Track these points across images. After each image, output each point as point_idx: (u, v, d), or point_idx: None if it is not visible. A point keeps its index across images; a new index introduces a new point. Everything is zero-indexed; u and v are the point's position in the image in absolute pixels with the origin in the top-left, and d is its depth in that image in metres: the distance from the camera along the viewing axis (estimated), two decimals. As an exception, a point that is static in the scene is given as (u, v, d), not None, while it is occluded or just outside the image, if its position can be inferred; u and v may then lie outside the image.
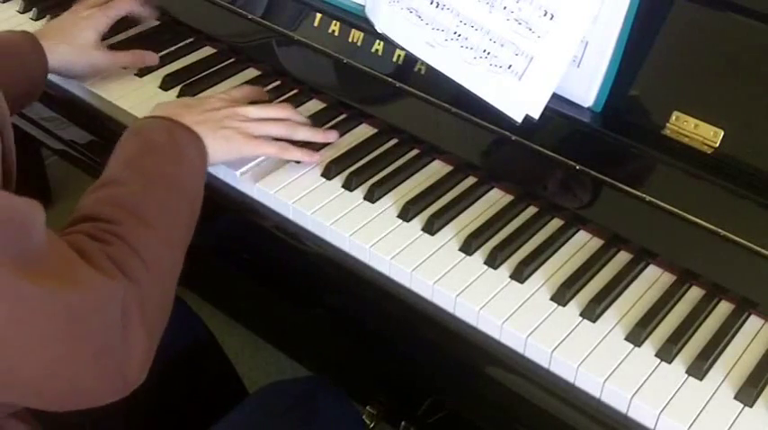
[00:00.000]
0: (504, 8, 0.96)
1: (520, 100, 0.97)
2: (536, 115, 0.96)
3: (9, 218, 0.69)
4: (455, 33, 1.00)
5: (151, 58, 1.21)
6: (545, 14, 0.94)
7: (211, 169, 1.02)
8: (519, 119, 0.97)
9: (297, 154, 1.04)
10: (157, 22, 1.33)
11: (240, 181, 1.05)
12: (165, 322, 0.84)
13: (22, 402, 0.81)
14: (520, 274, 0.93)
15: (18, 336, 0.69)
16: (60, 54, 1.13)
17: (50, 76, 1.13)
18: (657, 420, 0.81)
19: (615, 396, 0.83)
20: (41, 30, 1.17)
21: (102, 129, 1.20)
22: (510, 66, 0.97)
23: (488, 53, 0.98)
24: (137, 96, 1.18)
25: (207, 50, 1.28)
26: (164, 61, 1.24)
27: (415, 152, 1.09)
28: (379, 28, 1.07)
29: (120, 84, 1.20)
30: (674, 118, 0.94)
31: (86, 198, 0.86)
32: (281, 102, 1.17)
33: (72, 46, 1.15)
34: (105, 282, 0.75)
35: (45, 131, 1.32)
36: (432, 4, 1.01)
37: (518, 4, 0.95)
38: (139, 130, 0.96)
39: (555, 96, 0.98)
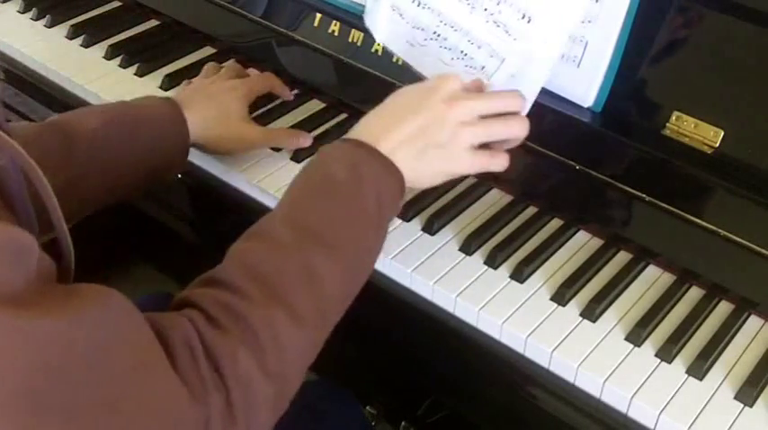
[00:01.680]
0: (485, 9, 0.95)
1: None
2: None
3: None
4: (434, 33, 0.99)
5: (305, 139, 1.06)
6: (522, 17, 0.93)
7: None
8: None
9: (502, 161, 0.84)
10: (158, 23, 1.34)
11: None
12: (278, 416, 0.70)
13: None
14: (520, 274, 0.93)
15: None
16: (208, 128, 1.01)
17: (42, 72, 1.12)
18: (657, 420, 0.81)
19: (615, 396, 0.83)
20: (182, 97, 1.03)
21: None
22: (483, 67, 0.96)
23: (465, 54, 0.97)
24: (137, 96, 1.17)
25: (207, 50, 1.28)
26: (165, 61, 1.24)
27: (415, 152, 1.09)
28: (367, 24, 1.07)
29: (119, 83, 1.20)
30: (674, 118, 0.94)
31: (232, 248, 0.73)
32: (281, 101, 1.17)
33: (223, 119, 1.02)
34: (181, 399, 0.61)
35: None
36: (413, 2, 1.00)
37: (498, 7, 0.94)
38: (319, 160, 0.78)
39: (555, 96, 0.98)
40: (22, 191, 0.65)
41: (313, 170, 0.78)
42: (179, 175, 1.05)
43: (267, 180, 1.03)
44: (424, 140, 0.79)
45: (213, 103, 1.03)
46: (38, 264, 0.61)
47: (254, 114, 1.13)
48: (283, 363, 0.68)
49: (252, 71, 1.17)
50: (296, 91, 1.19)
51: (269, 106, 1.16)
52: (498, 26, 0.94)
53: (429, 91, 0.82)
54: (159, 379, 0.62)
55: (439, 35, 0.99)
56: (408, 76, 1.07)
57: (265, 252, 0.71)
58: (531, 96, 0.92)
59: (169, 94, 1.18)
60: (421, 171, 0.80)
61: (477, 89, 0.86)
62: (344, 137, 0.81)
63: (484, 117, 0.82)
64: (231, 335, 0.66)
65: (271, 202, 1.02)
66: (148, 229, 0.96)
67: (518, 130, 0.84)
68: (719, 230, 0.88)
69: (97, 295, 0.61)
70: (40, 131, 0.94)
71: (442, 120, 0.79)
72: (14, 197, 0.64)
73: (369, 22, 1.04)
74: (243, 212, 1.05)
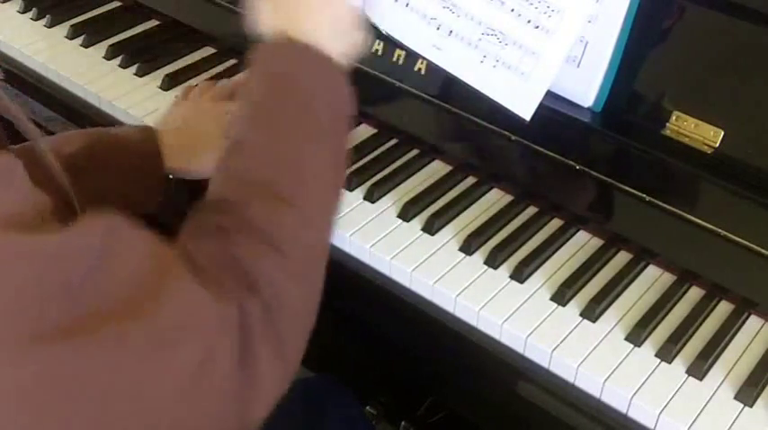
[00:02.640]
0: (512, 10, 0.96)
1: (527, 98, 0.97)
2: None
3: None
4: (460, 31, 0.99)
5: None
6: (553, 12, 0.93)
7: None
8: (527, 116, 0.97)
9: None
10: (158, 23, 1.34)
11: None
12: (308, 331, 0.69)
13: None
14: (520, 274, 0.93)
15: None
16: (186, 159, 0.98)
17: (42, 71, 1.11)
18: (657, 420, 0.81)
19: (615, 396, 0.83)
20: (162, 127, 1.01)
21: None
22: (517, 64, 0.96)
23: (495, 51, 0.98)
24: (137, 96, 1.18)
25: (207, 50, 1.28)
26: (165, 61, 1.24)
27: (414, 152, 1.09)
28: (383, 28, 1.07)
29: (120, 83, 1.20)
30: (674, 118, 0.94)
31: (216, 171, 0.74)
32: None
33: (200, 145, 0.99)
34: (204, 301, 0.61)
35: (45, 131, 1.32)
36: (438, 3, 1.00)
37: (526, 2, 0.95)
38: (260, 59, 0.78)
39: (555, 96, 0.98)
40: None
41: (256, 69, 0.78)
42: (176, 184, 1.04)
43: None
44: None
45: (189, 131, 1.00)
46: (31, 196, 0.58)
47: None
48: (301, 263, 0.68)
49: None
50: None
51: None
52: (529, 22, 0.94)
53: None
54: (174, 282, 0.60)
55: (466, 34, 0.99)
56: (408, 75, 1.08)
57: (251, 159, 0.71)
58: (536, 97, 0.92)
59: (169, 94, 1.18)
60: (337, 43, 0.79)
61: None
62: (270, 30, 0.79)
63: None
64: (248, 243, 0.65)
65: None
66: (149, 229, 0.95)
67: None
68: (719, 230, 0.88)
69: (101, 217, 0.60)
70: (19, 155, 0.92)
71: None
72: None
73: (368, 11, 1.04)
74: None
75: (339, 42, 0.80)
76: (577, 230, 0.99)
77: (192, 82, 1.20)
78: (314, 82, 0.76)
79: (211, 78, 1.21)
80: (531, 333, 0.87)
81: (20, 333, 0.54)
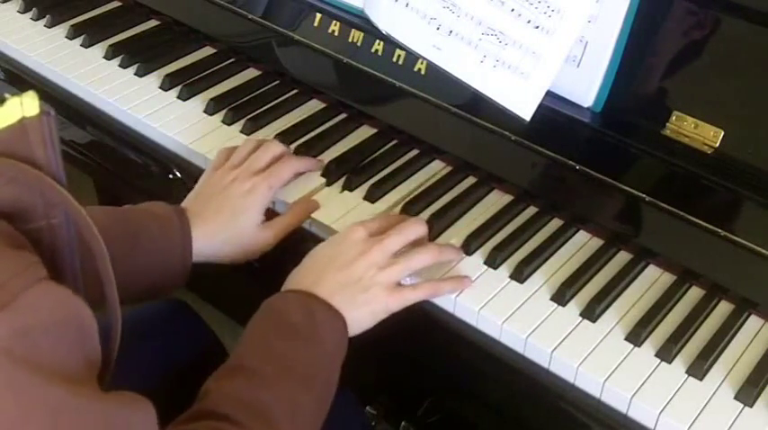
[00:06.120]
0: (512, 10, 0.96)
1: (527, 98, 0.97)
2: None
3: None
4: (460, 31, 0.99)
5: (314, 204, 1.01)
6: (553, 12, 0.93)
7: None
8: (527, 117, 0.97)
9: (447, 287, 0.91)
10: (158, 23, 1.34)
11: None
12: None
13: None
14: (520, 274, 0.93)
15: None
16: (215, 246, 0.95)
17: (42, 72, 1.10)
18: (657, 420, 0.81)
19: (615, 396, 0.83)
20: (192, 206, 0.97)
21: (102, 129, 1.20)
22: (517, 64, 0.96)
23: (495, 51, 0.98)
24: (137, 96, 1.18)
25: (207, 50, 1.28)
26: (165, 61, 1.24)
27: (414, 152, 1.09)
28: (382, 28, 1.07)
29: (120, 83, 1.20)
30: (674, 118, 0.94)
31: (214, 383, 0.78)
32: (281, 101, 1.17)
33: (233, 233, 0.96)
34: None
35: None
36: (438, 3, 1.00)
37: (526, 2, 0.95)
38: (277, 309, 0.85)
39: (555, 96, 0.98)
40: (74, 254, 0.63)
41: (273, 315, 0.85)
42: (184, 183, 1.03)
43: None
44: (351, 288, 0.86)
45: (225, 216, 0.96)
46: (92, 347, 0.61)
47: (252, 115, 1.14)
48: None
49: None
50: (295, 90, 1.19)
51: (265, 107, 1.16)
52: (529, 22, 0.94)
53: (341, 244, 0.90)
54: None
55: (466, 35, 0.99)
56: (408, 75, 1.08)
57: (255, 388, 0.78)
58: (536, 97, 0.92)
59: (169, 94, 1.18)
60: (353, 314, 0.86)
61: (380, 229, 0.92)
62: (286, 289, 0.88)
63: (397, 252, 0.90)
64: None
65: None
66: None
67: (429, 258, 0.91)
68: (719, 230, 0.88)
69: (137, 402, 0.64)
70: None
71: (360, 269, 0.87)
72: (65, 261, 0.63)
73: (368, 10, 1.04)
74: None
75: (354, 302, 0.87)
76: (577, 230, 0.99)
77: (192, 82, 1.19)
78: (328, 338, 0.84)
79: (211, 77, 1.21)
80: (531, 333, 0.87)
81: None
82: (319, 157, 1.07)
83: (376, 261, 0.88)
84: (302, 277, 0.88)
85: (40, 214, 0.62)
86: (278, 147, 1.03)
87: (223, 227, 0.96)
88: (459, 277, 0.92)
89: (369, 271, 0.87)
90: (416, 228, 0.93)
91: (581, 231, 0.99)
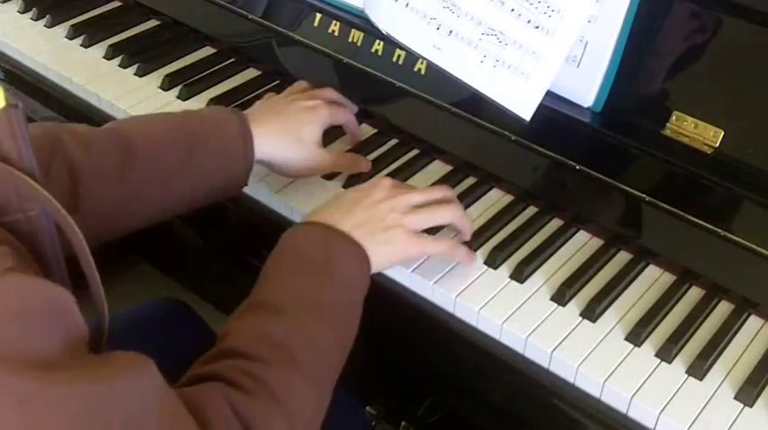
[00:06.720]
0: (512, 10, 0.96)
1: (527, 98, 0.97)
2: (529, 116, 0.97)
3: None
4: (460, 31, 0.99)
5: (366, 164, 1.06)
6: (553, 12, 0.93)
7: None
8: (527, 117, 0.97)
9: (462, 254, 0.93)
10: (158, 23, 1.34)
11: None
12: None
13: None
14: (520, 274, 0.93)
15: None
16: (277, 146, 0.98)
17: (42, 71, 1.11)
18: (657, 420, 0.81)
19: (615, 396, 0.83)
20: (254, 112, 1.00)
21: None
22: (517, 64, 0.96)
23: (495, 51, 0.98)
24: (137, 96, 1.18)
25: (207, 50, 1.28)
26: (165, 61, 1.24)
27: (415, 152, 1.10)
28: (382, 28, 1.07)
29: (120, 83, 1.20)
30: (674, 118, 0.94)
31: (236, 322, 0.79)
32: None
33: (294, 139, 0.99)
34: None
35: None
36: (438, 3, 1.00)
37: (526, 2, 0.95)
38: (295, 243, 0.85)
39: (555, 96, 0.98)
40: (55, 243, 0.64)
41: (290, 250, 0.85)
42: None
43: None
44: (372, 225, 0.87)
45: (286, 122, 0.99)
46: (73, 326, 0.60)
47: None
48: (306, 422, 0.75)
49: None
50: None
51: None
52: (529, 22, 0.94)
53: (369, 188, 0.91)
54: None
55: (466, 35, 0.99)
56: (408, 75, 1.08)
57: (273, 322, 0.78)
58: (536, 97, 0.92)
59: (169, 94, 1.18)
60: (372, 250, 0.86)
61: (407, 188, 0.94)
62: (308, 220, 0.88)
63: (420, 206, 0.91)
64: (261, 402, 0.71)
65: (274, 206, 1.02)
66: (152, 231, 0.95)
67: (450, 215, 0.93)
68: (719, 230, 0.88)
69: (132, 366, 0.62)
70: (102, 137, 0.91)
71: (383, 210, 0.88)
72: (46, 249, 0.63)
73: (368, 10, 1.04)
74: (244, 216, 1.05)
75: (375, 240, 0.87)
76: (577, 230, 0.99)
77: (192, 82, 1.19)
78: (346, 267, 0.84)
79: (211, 77, 1.21)
80: (531, 333, 0.87)
81: None
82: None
83: (401, 206, 0.89)
84: (328, 214, 0.88)
85: (15, 207, 0.62)
86: (335, 93, 1.08)
87: (285, 129, 0.99)
88: (471, 252, 0.94)
89: (392, 212, 0.88)
90: (442, 189, 0.95)
91: (581, 231, 0.99)
